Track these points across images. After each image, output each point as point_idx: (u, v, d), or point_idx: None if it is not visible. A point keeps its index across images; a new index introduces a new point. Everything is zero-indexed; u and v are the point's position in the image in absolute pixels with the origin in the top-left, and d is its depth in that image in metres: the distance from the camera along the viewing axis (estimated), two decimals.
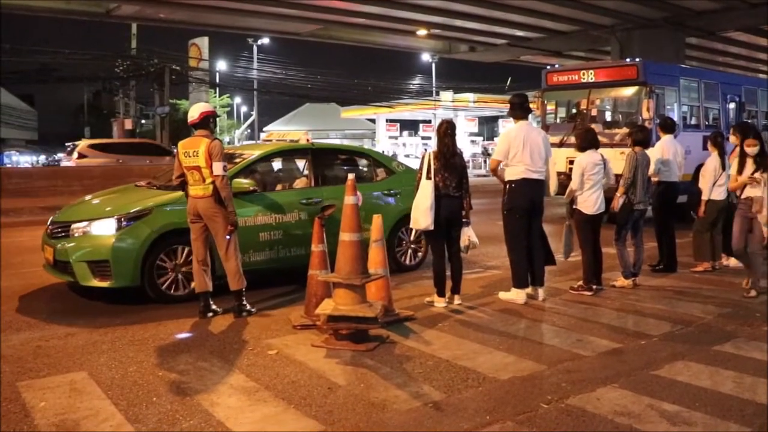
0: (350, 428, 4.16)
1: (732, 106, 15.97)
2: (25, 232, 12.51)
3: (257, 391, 4.75)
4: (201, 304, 6.74)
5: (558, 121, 15.46)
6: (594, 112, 14.64)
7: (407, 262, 9.08)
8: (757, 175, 7.54)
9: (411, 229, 8.22)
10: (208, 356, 5.50)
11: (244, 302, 6.79)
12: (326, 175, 8.68)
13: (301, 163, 9.10)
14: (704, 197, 8.88)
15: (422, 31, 30.98)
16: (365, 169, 9.52)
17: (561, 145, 13.74)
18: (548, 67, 15.73)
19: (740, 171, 7.68)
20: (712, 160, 8.89)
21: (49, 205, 15.09)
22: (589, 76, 14.38)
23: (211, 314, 6.72)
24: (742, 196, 7.68)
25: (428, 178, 6.92)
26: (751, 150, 7.50)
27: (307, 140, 10.40)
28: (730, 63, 41.41)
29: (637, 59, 14.01)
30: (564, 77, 15.11)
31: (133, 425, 4.19)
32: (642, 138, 8.28)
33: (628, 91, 14.04)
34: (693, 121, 15.35)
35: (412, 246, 9.08)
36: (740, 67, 42.39)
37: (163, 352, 5.65)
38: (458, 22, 29.46)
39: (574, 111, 15.33)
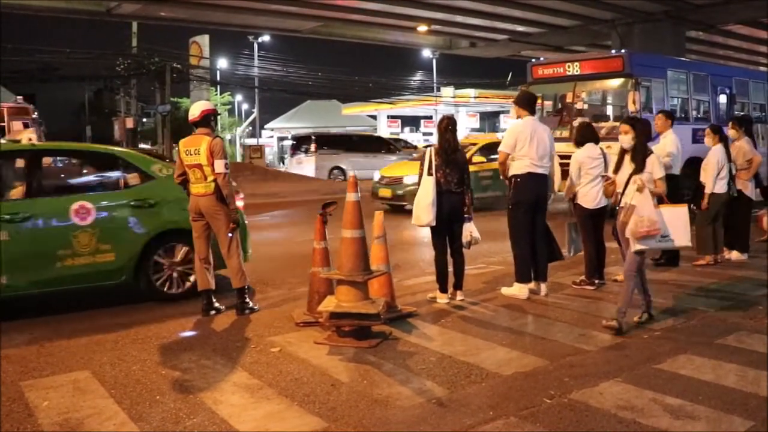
0: (353, 425, 4.16)
1: (723, 98, 15.58)
2: None
3: (260, 388, 4.76)
4: (203, 302, 6.75)
5: (545, 115, 14.87)
6: (580, 106, 14.24)
7: (171, 289, 7.42)
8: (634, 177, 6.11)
9: (176, 249, 7.38)
10: (211, 354, 5.50)
11: (247, 300, 6.80)
12: (47, 184, 7.23)
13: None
14: (707, 190, 8.86)
15: (423, 27, 30.93)
16: (110, 174, 7.64)
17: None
18: (533, 60, 15.28)
19: (616, 170, 6.38)
20: (715, 152, 8.86)
21: None
22: (574, 69, 14.02)
23: (213, 312, 6.72)
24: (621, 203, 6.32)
25: (429, 174, 6.92)
26: (626, 141, 6.14)
27: (29, 139, 8.14)
28: (730, 56, 41.31)
29: (623, 50, 13.66)
30: (549, 70, 14.70)
31: (136, 424, 4.19)
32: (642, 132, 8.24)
33: (614, 84, 13.74)
34: (682, 114, 14.83)
35: (178, 269, 7.44)
36: (741, 60, 42.31)
37: (166, 350, 5.66)
38: (459, 18, 29.46)
39: (560, 105, 15.03)
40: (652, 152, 6.20)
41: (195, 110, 6.75)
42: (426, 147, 8.90)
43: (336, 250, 6.04)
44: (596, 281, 7.69)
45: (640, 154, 6.10)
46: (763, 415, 4.20)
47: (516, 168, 7.20)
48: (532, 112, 7.41)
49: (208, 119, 6.74)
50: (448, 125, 7.06)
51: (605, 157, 7.71)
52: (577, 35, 32.19)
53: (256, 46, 49.58)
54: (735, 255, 9.31)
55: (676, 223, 5.89)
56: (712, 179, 8.80)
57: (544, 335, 5.94)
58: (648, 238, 5.80)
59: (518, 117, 7.42)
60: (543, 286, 7.37)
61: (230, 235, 6.66)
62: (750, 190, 9.35)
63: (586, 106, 14.44)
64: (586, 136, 7.77)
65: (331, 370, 5.08)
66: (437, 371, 5.04)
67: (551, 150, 7.30)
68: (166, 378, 4.99)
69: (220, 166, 6.51)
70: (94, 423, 4.22)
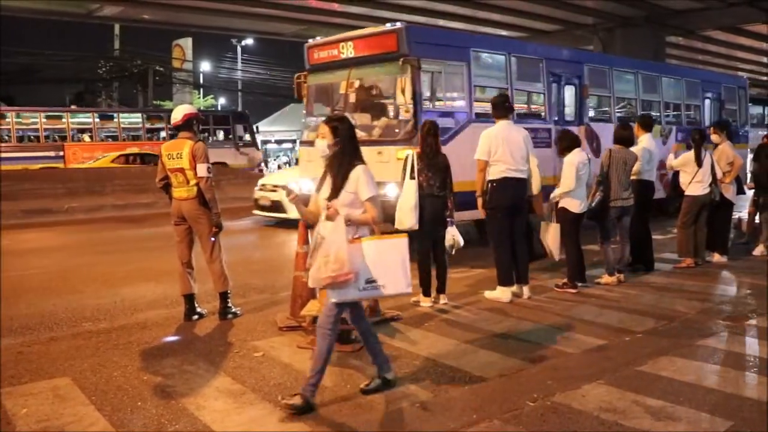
0: (337, 429, 4.16)
1: (569, 90, 12.37)
2: (8, 236, 12.38)
3: (243, 393, 4.73)
4: (186, 306, 6.71)
5: (314, 112, 11.90)
6: (354, 98, 10.87)
7: None
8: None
9: None
10: (193, 359, 5.47)
11: (230, 304, 6.77)
12: None
13: None
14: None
15: None
16: None
17: (312, 143, 9.89)
18: (310, 40, 11.75)
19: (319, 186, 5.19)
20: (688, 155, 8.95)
21: (32, 208, 14.99)
22: (348, 51, 10.63)
23: (196, 317, 6.69)
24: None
25: (412, 178, 6.93)
26: (322, 146, 4.69)
27: None
28: (709, 61, 41.82)
29: (399, 23, 10.09)
30: (324, 53, 11.19)
31: (117, 431, 4.16)
32: (622, 136, 8.31)
33: (389, 69, 9.98)
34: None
35: None
36: (720, 65, 42.81)
37: (148, 355, 5.62)
38: (441, 22, 29.52)
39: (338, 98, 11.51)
40: (359, 164, 4.50)
41: (177, 114, 6.72)
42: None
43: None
44: (578, 284, 7.72)
45: (341, 167, 4.49)
46: (742, 415, 4.25)
47: (491, 173, 7.23)
48: (507, 116, 7.43)
49: (190, 123, 6.71)
50: (430, 129, 7.08)
51: (590, 162, 7.77)
52: (559, 40, 32.29)
53: (239, 49, 49.45)
54: (716, 257, 9.39)
55: (390, 263, 4.37)
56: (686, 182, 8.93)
57: (527, 338, 5.96)
58: (340, 286, 4.27)
59: (495, 121, 7.43)
60: (525, 289, 7.40)
61: (213, 239, 6.63)
62: (731, 193, 9.45)
63: (362, 100, 10.99)
64: (568, 143, 7.81)
65: None
66: (421, 375, 5.05)
67: (528, 153, 7.33)
68: (148, 384, 4.95)
69: (202, 170, 6.48)
70: (74, 430, 4.17)
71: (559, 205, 7.78)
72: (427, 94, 9.88)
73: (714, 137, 9.75)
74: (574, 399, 4.52)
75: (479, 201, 7.42)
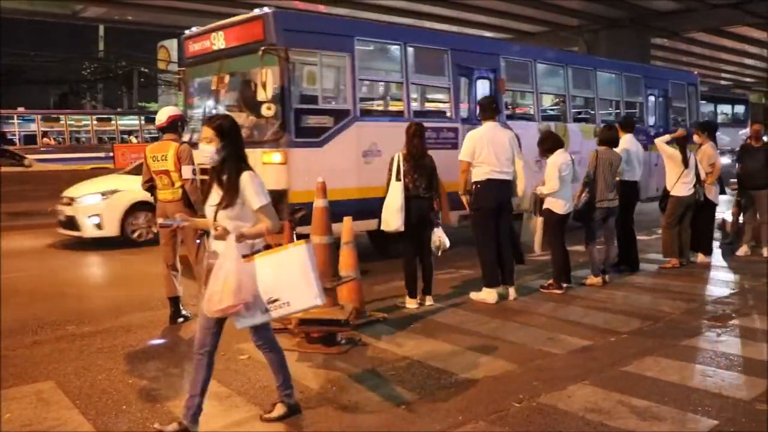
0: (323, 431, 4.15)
1: (481, 84, 10.98)
2: None
3: (229, 396, 4.72)
4: (171, 309, 6.68)
5: (192, 109, 10.66)
6: (224, 96, 9.81)
7: None
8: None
9: None
10: (179, 362, 5.45)
11: None
12: None
13: None
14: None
15: None
16: None
17: (192, 145, 8.58)
18: (186, 31, 10.58)
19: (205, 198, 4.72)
20: (671, 156, 8.99)
21: (17, 210, 14.85)
22: (219, 41, 9.55)
23: (181, 319, 6.66)
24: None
25: (398, 179, 6.94)
26: (207, 153, 4.05)
27: None
28: (693, 63, 42.09)
29: (267, 8, 8.79)
30: (198, 45, 10.03)
31: None
32: (607, 137, 8.36)
33: (256, 61, 8.43)
34: (382, 106, 11.50)
35: None
36: (704, 66, 43.13)
37: (133, 359, 5.58)
38: (427, 23, 29.55)
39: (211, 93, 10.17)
40: (247, 169, 3.97)
41: (162, 116, 6.69)
42: None
43: None
44: (564, 285, 7.75)
45: (228, 174, 3.95)
46: (726, 415, 4.27)
47: (476, 175, 7.24)
48: (493, 118, 7.44)
49: (175, 125, 6.69)
50: (415, 131, 7.09)
51: (574, 163, 7.80)
52: (544, 41, 32.38)
53: None
54: (700, 257, 9.46)
55: (291, 276, 3.88)
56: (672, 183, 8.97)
57: (513, 339, 5.97)
58: (237, 315, 3.90)
59: (483, 122, 7.45)
60: (511, 290, 7.42)
61: (198, 241, 6.61)
62: (714, 194, 9.51)
63: (232, 94, 9.87)
64: (551, 144, 7.83)
65: (300, 377, 5.04)
66: (407, 376, 5.04)
67: (514, 155, 7.35)
68: (132, 387, 4.93)
69: (187, 171, 6.46)
70: None
71: (544, 206, 7.80)
72: (299, 89, 8.94)
73: (696, 138, 9.83)
74: (559, 400, 4.53)
75: (463, 200, 7.45)
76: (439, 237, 7.17)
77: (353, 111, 9.13)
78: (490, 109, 7.45)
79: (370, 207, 8.14)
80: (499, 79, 11.06)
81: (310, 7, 25.89)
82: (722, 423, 4.17)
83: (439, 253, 7.32)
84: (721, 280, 8.58)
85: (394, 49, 9.99)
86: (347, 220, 6.71)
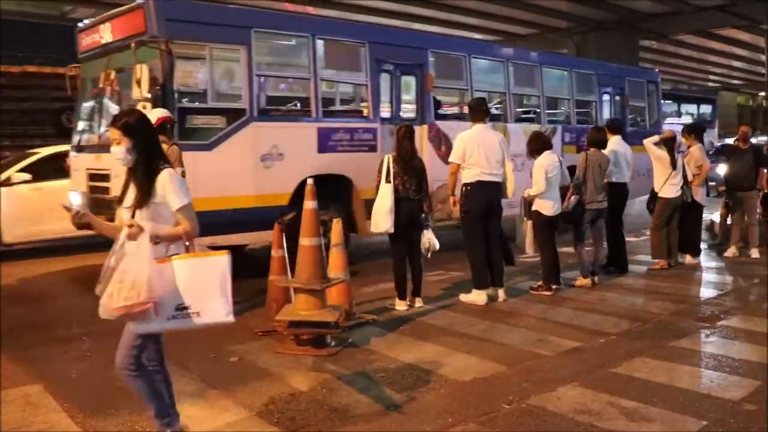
0: None
1: (406, 81, 10.33)
2: None
3: (219, 398, 4.70)
4: None
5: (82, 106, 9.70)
6: (111, 92, 8.68)
7: None
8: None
9: None
10: (167, 364, 5.40)
11: None
12: None
13: None
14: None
15: None
16: None
17: (80, 148, 9.19)
18: (80, 24, 9.77)
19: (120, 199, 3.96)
20: (660, 158, 9.03)
21: None
22: (106, 34, 8.66)
23: None
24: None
25: (387, 181, 6.94)
26: (119, 153, 3.67)
27: None
28: (681, 65, 42.37)
29: None
30: (90, 38, 9.13)
31: None
32: (596, 139, 8.39)
33: (139, 55, 7.61)
34: (286, 105, 10.46)
35: None
36: (692, 68, 43.43)
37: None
38: (416, 26, 29.60)
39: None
40: (165, 167, 3.66)
41: (151, 118, 6.65)
42: None
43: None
44: (554, 286, 7.77)
45: (142, 172, 3.64)
46: (715, 415, 4.29)
47: (466, 176, 7.25)
48: (483, 120, 7.45)
49: (164, 127, 6.65)
50: (405, 133, 7.10)
51: (561, 164, 7.81)
52: (534, 43, 32.55)
53: None
54: (688, 259, 9.50)
55: (207, 286, 3.55)
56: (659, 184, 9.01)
57: (503, 341, 5.98)
58: (138, 317, 3.47)
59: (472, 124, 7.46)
60: (501, 292, 7.43)
61: (187, 243, 6.57)
62: (701, 196, 9.56)
63: (117, 95, 8.71)
64: (540, 145, 7.85)
65: (290, 379, 5.04)
66: (396, 378, 5.04)
67: (504, 157, 7.36)
68: (121, 390, 4.87)
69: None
70: None
71: (533, 207, 7.81)
72: (184, 86, 8.27)
73: (684, 140, 9.89)
74: (549, 401, 4.54)
75: (451, 201, 7.47)
76: (429, 239, 7.19)
77: (250, 110, 8.32)
78: (479, 111, 7.46)
79: (272, 216, 7.36)
80: (426, 75, 10.18)
81: (299, 10, 25.93)
82: (711, 423, 4.19)
83: (429, 255, 7.33)
84: (709, 281, 8.63)
85: (301, 41, 9.09)
86: (336, 222, 6.70)
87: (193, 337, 6.16)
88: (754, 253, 9.93)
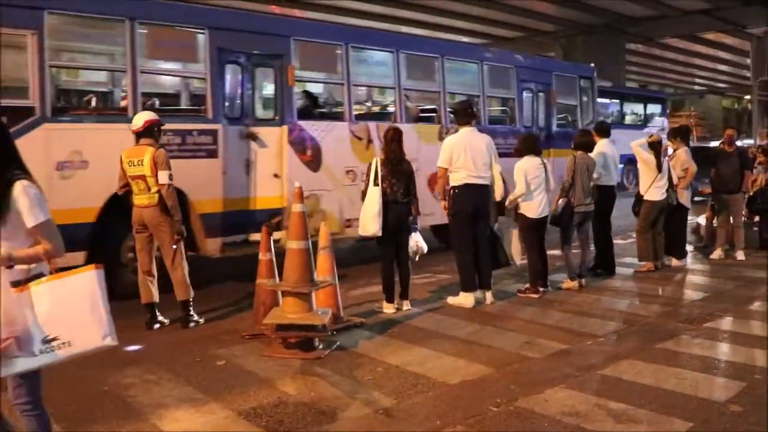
0: None
1: (261, 74, 8.90)
2: None
3: (206, 402, 4.68)
4: (147, 315, 6.63)
5: None
6: None
7: None
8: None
9: None
10: (155, 368, 5.40)
11: (192, 312, 6.70)
12: None
13: None
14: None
15: None
16: None
17: None
18: None
19: None
20: (646, 161, 9.07)
21: None
22: None
23: (157, 325, 6.61)
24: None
25: (375, 184, 6.94)
26: None
27: None
28: (668, 68, 42.67)
29: None
30: None
31: None
32: (583, 142, 8.43)
33: None
34: (94, 102, 8.82)
35: None
36: (678, 72, 43.71)
37: (109, 365, 5.50)
38: (404, 29, 29.65)
39: None
40: (20, 178, 3.03)
41: (138, 120, 6.61)
42: None
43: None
44: (541, 289, 7.79)
45: None
46: (702, 417, 4.32)
47: (454, 180, 7.26)
48: (470, 123, 7.46)
49: (151, 130, 6.61)
50: (393, 136, 7.10)
51: (546, 168, 7.83)
52: (521, 46, 32.67)
53: None
54: (674, 261, 9.56)
55: (75, 309, 3.07)
56: (646, 187, 9.04)
57: (490, 343, 5.99)
58: (8, 351, 2.93)
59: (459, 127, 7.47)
60: (488, 295, 7.44)
61: (174, 246, 6.56)
62: (686, 198, 9.62)
63: None
64: (528, 148, 7.87)
65: (278, 383, 5.03)
66: (384, 381, 5.04)
67: (491, 160, 7.37)
68: (108, 394, 4.87)
69: (164, 177, 6.40)
70: None
71: (519, 210, 7.83)
72: None
73: (671, 144, 9.96)
74: (537, 403, 4.55)
75: (442, 205, 7.46)
76: (417, 242, 7.21)
77: (41, 109, 6.98)
78: (465, 114, 7.47)
79: (74, 237, 6.29)
80: (287, 68, 8.67)
81: (286, 12, 25.91)
82: (697, 424, 4.21)
83: (417, 258, 7.35)
84: (695, 283, 8.69)
85: (115, 26, 7.62)
86: (324, 225, 6.70)
87: (181, 341, 6.18)
88: (740, 255, 10.00)
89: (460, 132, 7.37)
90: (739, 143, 12.48)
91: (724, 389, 4.86)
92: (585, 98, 13.72)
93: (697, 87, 55.23)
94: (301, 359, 5.55)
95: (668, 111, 29.29)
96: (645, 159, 9.08)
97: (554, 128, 12.67)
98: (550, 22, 28.31)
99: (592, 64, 14.98)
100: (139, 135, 6.58)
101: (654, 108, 27.85)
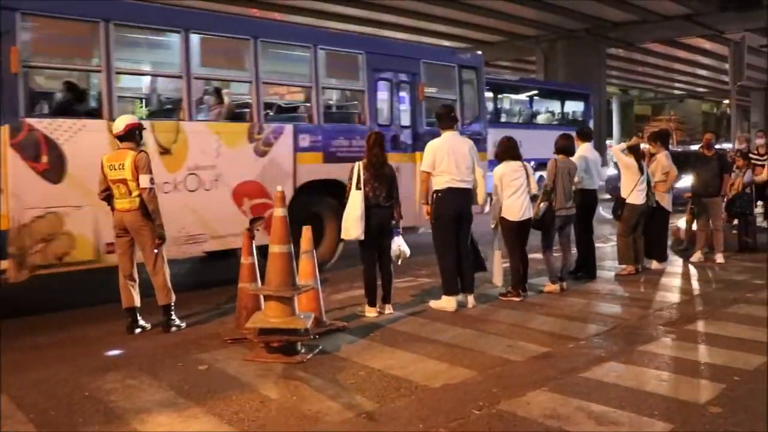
0: None
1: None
2: None
3: (188, 407, 4.65)
4: (128, 319, 6.59)
5: None
6: None
7: None
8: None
9: None
10: (136, 373, 5.36)
11: (173, 317, 6.67)
12: None
13: None
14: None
15: None
16: None
17: None
18: None
19: None
20: (628, 165, 9.14)
21: None
22: None
23: (139, 330, 6.57)
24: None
25: (358, 188, 6.95)
26: None
27: None
28: (649, 73, 43.02)
29: None
30: None
31: None
32: (564, 146, 8.48)
33: None
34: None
35: None
36: (658, 77, 44.11)
37: (90, 370, 5.48)
38: (386, 32, 29.71)
39: None
40: None
41: (119, 124, 6.58)
42: None
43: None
44: (521, 292, 7.82)
45: None
46: (682, 418, 4.35)
47: (436, 183, 7.28)
48: (452, 127, 7.48)
49: (133, 133, 6.58)
50: (376, 140, 7.11)
51: (526, 171, 7.86)
52: (502, 51, 32.89)
53: None
54: (654, 264, 9.63)
55: None
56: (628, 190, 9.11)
57: (473, 347, 6.00)
58: None
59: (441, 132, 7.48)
60: (470, 298, 7.46)
61: (156, 251, 6.53)
62: (667, 202, 9.70)
63: None
64: (507, 152, 7.88)
65: (260, 387, 5.02)
66: (366, 385, 5.04)
67: (474, 164, 7.40)
68: (90, 400, 4.83)
69: (145, 180, 6.38)
70: None
71: (500, 214, 7.85)
72: None
73: (651, 147, 10.03)
74: (519, 406, 4.57)
75: (424, 209, 7.48)
76: (399, 246, 7.23)
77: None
78: (448, 118, 7.50)
79: None
80: (11, 50, 6.70)
81: (266, 15, 25.86)
82: (677, 426, 4.25)
83: (399, 262, 7.36)
84: (675, 286, 8.75)
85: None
86: (307, 229, 6.69)
87: (162, 346, 6.14)
88: (719, 258, 10.11)
89: (443, 136, 7.40)
90: (717, 147, 12.58)
91: (704, 391, 4.90)
92: (468, 92, 11.43)
93: (677, 91, 55.74)
94: (283, 363, 5.53)
95: (592, 110, 25.74)
96: (626, 163, 9.15)
97: (423, 128, 10.46)
98: (531, 26, 28.47)
99: (480, 52, 12.95)
100: (120, 139, 6.55)
101: (575, 105, 24.98)
